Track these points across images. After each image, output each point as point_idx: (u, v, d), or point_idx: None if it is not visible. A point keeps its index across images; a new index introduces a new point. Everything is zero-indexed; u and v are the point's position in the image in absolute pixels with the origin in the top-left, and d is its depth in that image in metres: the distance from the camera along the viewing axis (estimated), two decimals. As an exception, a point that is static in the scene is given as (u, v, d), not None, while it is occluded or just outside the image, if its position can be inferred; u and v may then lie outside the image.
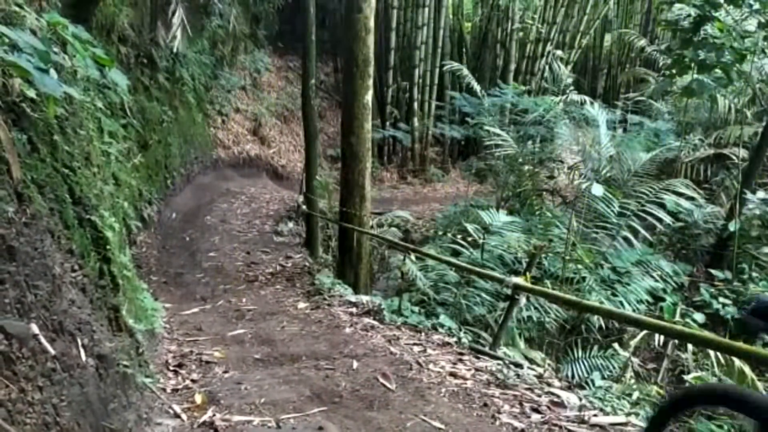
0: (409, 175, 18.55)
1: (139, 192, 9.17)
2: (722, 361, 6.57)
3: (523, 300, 4.95)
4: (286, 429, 3.32)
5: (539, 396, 3.89)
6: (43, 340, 2.21)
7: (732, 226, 9.56)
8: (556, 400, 3.85)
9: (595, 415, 3.60)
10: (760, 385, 6.74)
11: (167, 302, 7.22)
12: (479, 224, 8.42)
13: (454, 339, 5.47)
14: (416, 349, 4.99)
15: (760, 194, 9.88)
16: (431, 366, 4.44)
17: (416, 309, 7.50)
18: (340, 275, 8.82)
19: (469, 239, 7.97)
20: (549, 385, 4.19)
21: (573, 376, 7.17)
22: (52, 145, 3.33)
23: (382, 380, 4.10)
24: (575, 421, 3.46)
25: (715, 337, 3.71)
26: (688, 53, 9.21)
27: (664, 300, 8.98)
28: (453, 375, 4.24)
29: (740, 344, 3.16)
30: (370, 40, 8.27)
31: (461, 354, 4.89)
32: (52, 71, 2.48)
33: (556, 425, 3.37)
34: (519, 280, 4.87)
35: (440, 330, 5.94)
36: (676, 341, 6.90)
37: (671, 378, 7.49)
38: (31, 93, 2.84)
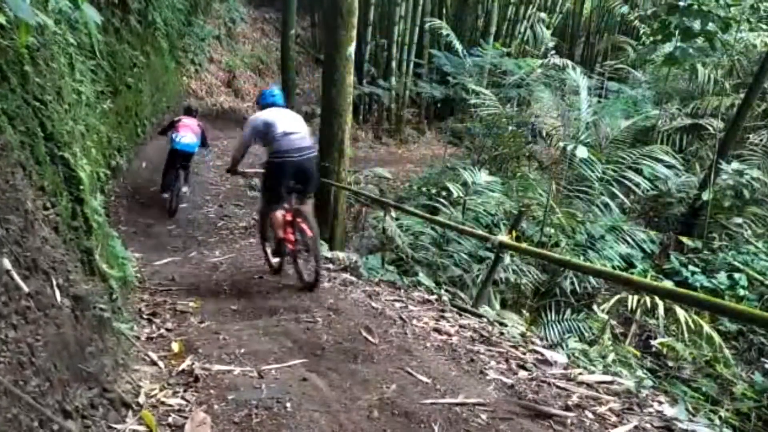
0: (384, 135, 18.22)
1: (108, 139, 8.78)
2: (692, 326, 6.63)
3: (507, 258, 4.89)
4: (268, 379, 3.21)
5: (524, 354, 3.84)
6: (16, 276, 2.06)
7: (705, 195, 9.64)
8: (541, 357, 3.81)
9: (580, 374, 3.56)
10: (727, 352, 6.86)
11: (137, 252, 7.01)
12: (460, 183, 8.31)
13: (434, 297, 5.41)
14: (398, 305, 4.90)
15: (734, 165, 9.96)
16: (414, 321, 4.36)
17: (391, 268, 7.42)
18: (315, 231, 8.66)
19: (454, 196, 7.87)
20: (532, 343, 4.15)
21: (546, 339, 7.20)
22: (23, 76, 3.11)
23: (364, 334, 4.00)
24: (562, 379, 3.42)
25: (711, 299, 3.67)
26: (674, 19, 9.14)
27: (634, 267, 9.05)
28: (437, 331, 4.17)
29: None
30: (356, -13, 7.99)
31: (443, 311, 4.82)
32: (25, -5, 2.27)
33: (544, 382, 3.32)
34: (505, 237, 4.79)
35: (419, 288, 5.89)
36: (648, 304, 6.97)
37: (638, 343, 7.60)
38: (1, 18, 2.62)
